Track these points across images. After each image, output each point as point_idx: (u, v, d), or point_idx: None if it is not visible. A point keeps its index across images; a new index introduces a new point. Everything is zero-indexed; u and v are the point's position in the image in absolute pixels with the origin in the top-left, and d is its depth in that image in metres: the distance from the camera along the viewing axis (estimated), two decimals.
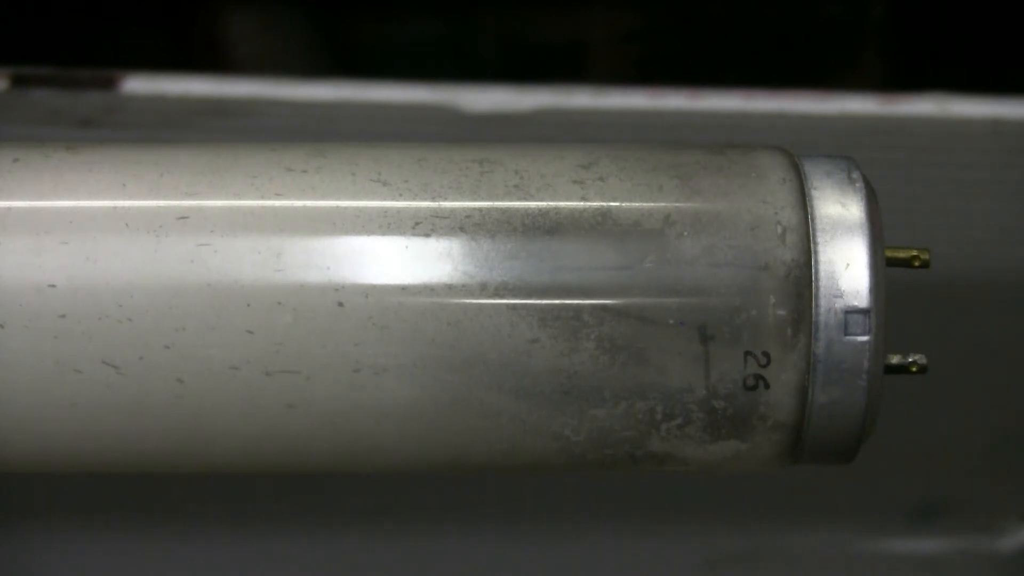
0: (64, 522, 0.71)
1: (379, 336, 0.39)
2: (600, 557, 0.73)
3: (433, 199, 0.40)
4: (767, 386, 0.39)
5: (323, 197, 0.40)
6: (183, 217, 0.39)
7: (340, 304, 0.39)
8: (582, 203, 0.40)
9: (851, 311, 0.39)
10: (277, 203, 0.40)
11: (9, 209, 0.40)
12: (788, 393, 0.39)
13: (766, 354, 0.39)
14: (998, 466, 0.72)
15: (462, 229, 0.40)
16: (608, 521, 0.73)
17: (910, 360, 0.41)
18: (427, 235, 0.39)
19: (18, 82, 0.57)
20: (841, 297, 0.39)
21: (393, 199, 0.40)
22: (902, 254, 0.41)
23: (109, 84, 0.57)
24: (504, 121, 0.58)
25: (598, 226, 0.40)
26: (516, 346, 0.39)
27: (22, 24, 0.79)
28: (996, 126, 0.59)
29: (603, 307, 0.39)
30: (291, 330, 0.39)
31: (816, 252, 0.39)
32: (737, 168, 0.40)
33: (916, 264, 0.41)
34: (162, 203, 0.40)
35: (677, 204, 0.40)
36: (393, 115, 0.58)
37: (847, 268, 0.39)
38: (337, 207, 0.40)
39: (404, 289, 0.39)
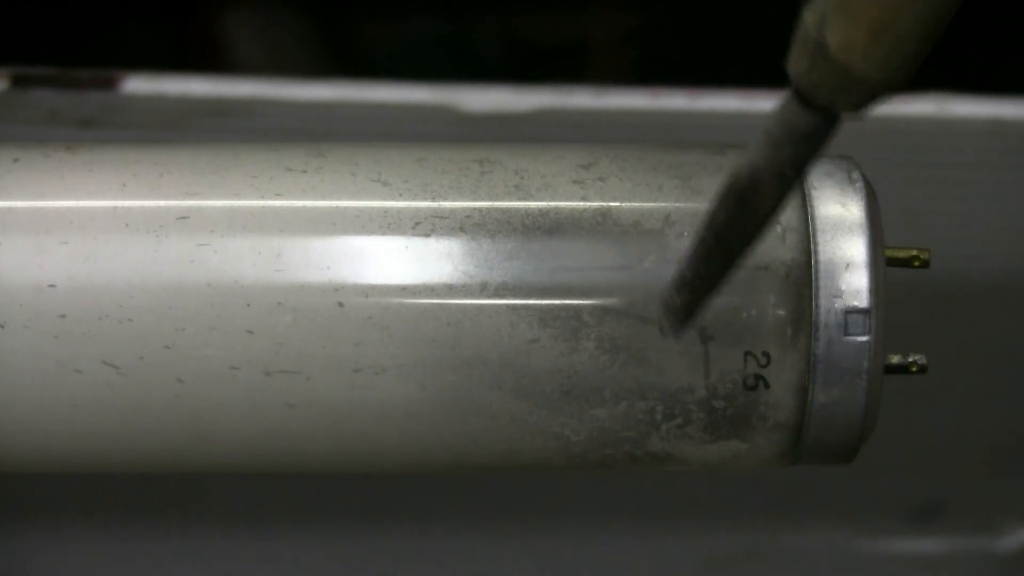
0: (64, 522, 0.71)
1: (379, 336, 0.39)
2: (600, 557, 0.73)
3: (433, 199, 0.40)
4: (767, 386, 0.39)
5: (323, 197, 0.40)
6: (183, 217, 0.39)
7: (340, 304, 0.39)
8: (582, 203, 0.40)
9: (851, 311, 0.39)
10: (277, 203, 0.40)
11: (9, 209, 0.40)
12: (788, 393, 0.39)
13: (766, 354, 0.39)
14: (998, 466, 0.72)
15: (462, 229, 0.40)
16: (608, 521, 0.73)
17: (910, 360, 0.41)
18: (427, 235, 0.39)
19: (18, 82, 0.57)
20: (841, 297, 0.39)
21: (393, 199, 0.40)
22: (902, 254, 0.41)
23: (109, 84, 0.57)
24: (504, 121, 0.58)
25: (598, 226, 0.40)
26: (516, 346, 0.39)
27: (22, 24, 0.79)
28: (996, 126, 0.59)
29: (603, 307, 0.39)
30: (291, 330, 0.39)
31: (816, 252, 0.39)
32: None
33: (916, 264, 0.41)
34: (162, 203, 0.40)
35: (677, 204, 0.40)
36: (393, 115, 0.58)
37: (847, 268, 0.39)
38: (337, 207, 0.40)
39: (404, 289, 0.39)
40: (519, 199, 0.40)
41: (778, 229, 0.39)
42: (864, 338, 0.39)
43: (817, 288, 0.39)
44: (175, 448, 0.40)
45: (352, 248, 0.39)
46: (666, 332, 0.37)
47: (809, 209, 0.40)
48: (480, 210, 0.40)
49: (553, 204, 0.40)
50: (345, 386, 0.39)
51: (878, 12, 0.30)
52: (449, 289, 0.39)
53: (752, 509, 0.73)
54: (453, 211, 0.40)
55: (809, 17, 0.31)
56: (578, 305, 0.39)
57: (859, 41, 0.31)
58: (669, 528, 0.73)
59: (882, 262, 0.40)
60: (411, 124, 0.58)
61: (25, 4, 0.78)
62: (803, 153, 0.33)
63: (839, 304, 0.39)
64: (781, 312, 0.39)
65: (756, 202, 0.33)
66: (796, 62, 0.32)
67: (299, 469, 0.42)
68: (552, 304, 0.39)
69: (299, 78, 0.58)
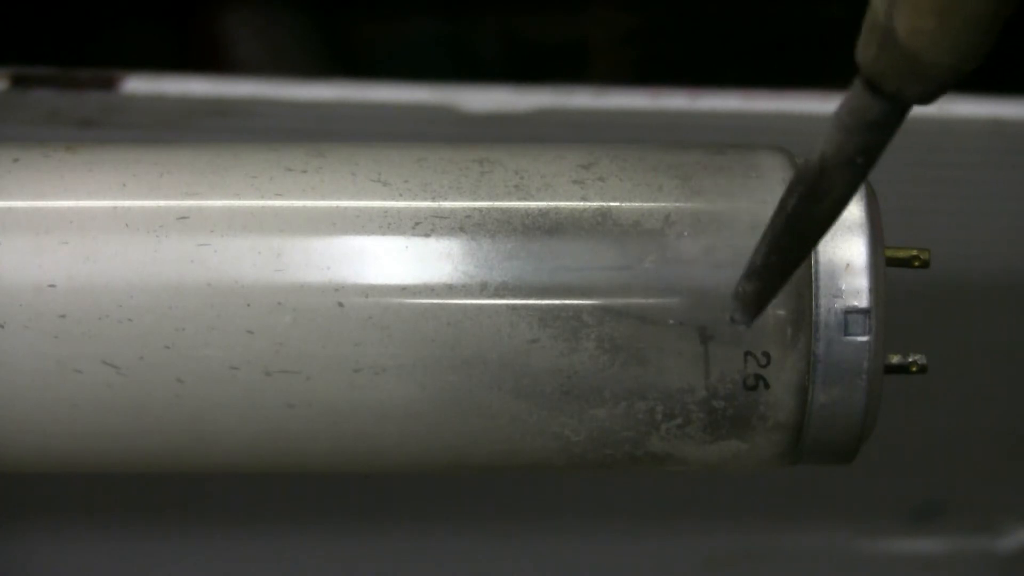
0: (64, 522, 0.71)
1: (379, 336, 0.39)
2: (600, 557, 0.73)
3: (433, 199, 0.40)
4: (767, 386, 0.39)
5: (323, 197, 0.40)
6: (183, 217, 0.39)
7: (340, 304, 0.39)
8: (582, 203, 0.40)
9: (851, 311, 0.39)
10: (277, 203, 0.40)
11: (9, 209, 0.40)
12: (788, 393, 0.39)
13: (766, 354, 0.39)
14: (998, 466, 0.72)
15: (462, 229, 0.40)
16: (607, 521, 0.73)
17: (910, 360, 0.41)
18: (427, 235, 0.39)
19: (18, 82, 0.57)
20: (841, 297, 0.39)
21: (393, 199, 0.40)
22: (902, 254, 0.41)
23: (109, 84, 0.57)
24: (504, 121, 0.58)
25: (598, 226, 0.40)
26: (516, 346, 0.39)
27: (22, 24, 0.79)
28: (996, 126, 0.59)
29: (603, 307, 0.39)
30: (291, 330, 0.39)
31: (816, 252, 0.39)
32: (737, 168, 0.40)
33: (916, 264, 0.41)
34: (162, 203, 0.40)
35: (677, 204, 0.40)
36: (393, 115, 0.58)
37: (847, 268, 0.39)
38: (337, 207, 0.40)
39: (404, 289, 0.39)
40: (519, 199, 0.40)
41: None
42: (864, 338, 0.39)
43: (817, 288, 0.39)
44: (175, 448, 0.40)
45: (352, 248, 0.39)
46: (737, 321, 0.37)
47: None
48: (480, 210, 0.40)
49: (553, 204, 0.40)
50: (345, 386, 0.39)
51: None
52: (449, 289, 0.39)
53: (752, 509, 0.73)
54: (453, 211, 0.40)
55: (878, 3, 0.31)
56: (578, 305, 0.39)
57: (927, 27, 0.30)
58: (669, 528, 0.73)
59: (882, 262, 0.40)
60: (411, 124, 0.58)
61: (25, 4, 0.78)
62: (873, 141, 0.32)
63: (839, 304, 0.39)
64: (781, 312, 0.39)
65: (825, 191, 0.33)
66: (864, 49, 0.31)
67: (299, 469, 0.42)
68: (552, 304, 0.39)
69: (299, 78, 0.58)
